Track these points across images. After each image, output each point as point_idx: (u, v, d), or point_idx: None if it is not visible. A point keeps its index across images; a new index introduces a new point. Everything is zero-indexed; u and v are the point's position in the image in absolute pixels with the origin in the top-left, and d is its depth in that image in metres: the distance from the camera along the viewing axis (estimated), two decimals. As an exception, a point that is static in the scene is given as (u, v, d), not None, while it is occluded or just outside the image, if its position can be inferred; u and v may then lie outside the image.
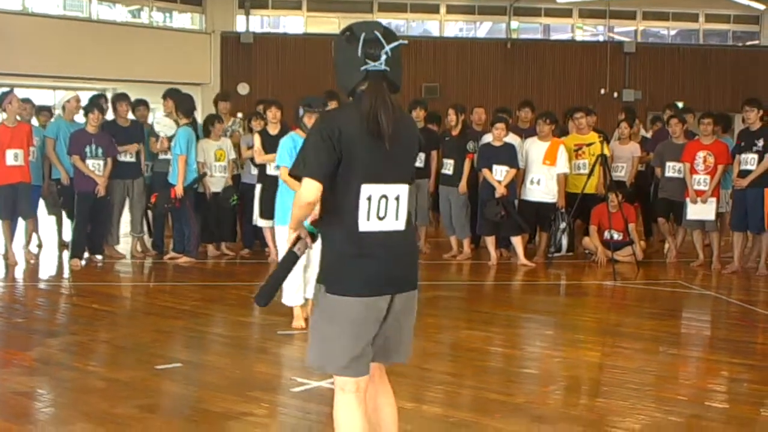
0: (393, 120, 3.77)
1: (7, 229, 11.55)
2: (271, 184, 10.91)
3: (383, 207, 3.79)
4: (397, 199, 3.85)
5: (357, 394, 3.86)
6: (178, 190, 11.34)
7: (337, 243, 3.80)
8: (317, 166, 3.69)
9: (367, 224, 3.76)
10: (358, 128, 3.72)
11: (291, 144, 7.91)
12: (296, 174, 3.76)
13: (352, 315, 3.78)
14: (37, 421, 5.41)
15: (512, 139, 12.11)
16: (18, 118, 11.45)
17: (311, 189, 3.70)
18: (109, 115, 12.41)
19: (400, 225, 3.86)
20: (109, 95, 14.24)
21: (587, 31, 29.93)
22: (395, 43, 3.79)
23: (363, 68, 3.76)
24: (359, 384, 3.86)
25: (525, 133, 12.64)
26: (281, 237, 8.00)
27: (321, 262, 3.86)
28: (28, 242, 11.99)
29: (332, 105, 11.96)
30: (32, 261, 11.76)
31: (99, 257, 11.94)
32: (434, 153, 12.43)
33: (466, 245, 12.40)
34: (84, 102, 12.28)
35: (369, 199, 3.75)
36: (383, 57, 3.77)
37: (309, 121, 7.81)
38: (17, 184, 11.27)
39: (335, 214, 3.78)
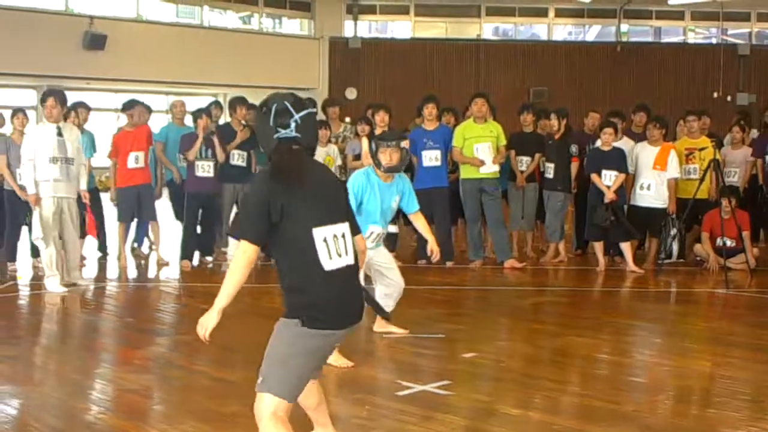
0: (306, 170, 4.15)
1: (123, 232, 11.86)
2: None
3: (338, 245, 4.14)
4: (344, 236, 4.18)
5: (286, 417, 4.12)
6: None
7: (309, 285, 4.10)
8: (252, 227, 4.04)
9: (330, 263, 4.08)
10: (283, 184, 4.05)
11: (363, 181, 7.25)
12: (233, 235, 4.06)
13: (318, 345, 4.14)
14: (147, 418, 5.52)
15: (625, 143, 11.93)
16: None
17: (249, 250, 4.05)
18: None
19: (350, 260, 4.19)
20: (221, 101, 14.48)
21: (699, 34, 29.36)
22: (304, 112, 4.17)
23: (275, 136, 4.14)
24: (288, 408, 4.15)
25: (639, 138, 12.41)
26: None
27: (290, 301, 4.18)
28: (155, 245, 12.27)
29: (430, 108, 12.02)
30: (164, 263, 12.02)
31: (209, 259, 12.14)
32: (537, 156, 12.36)
33: (562, 249, 12.28)
34: (194, 107, 12.56)
35: (325, 240, 4.09)
36: (293, 125, 4.14)
37: (383, 156, 7.18)
38: (140, 185, 11.60)
39: (301, 261, 4.09)
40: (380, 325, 7.85)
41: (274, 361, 4.10)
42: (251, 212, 4.06)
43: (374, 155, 7.28)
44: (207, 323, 4.14)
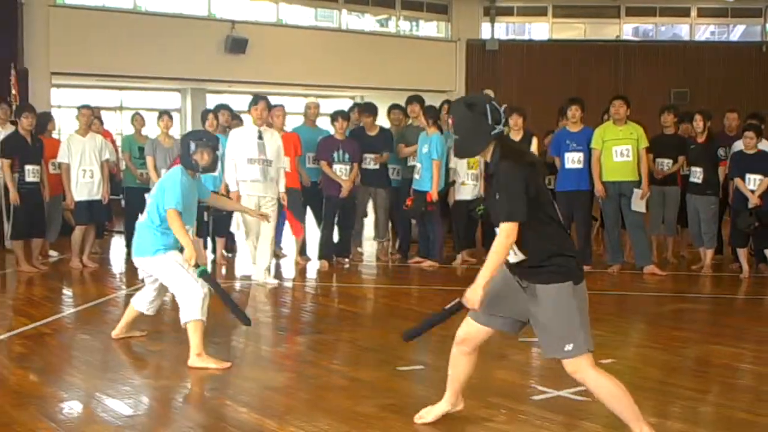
0: None
1: None
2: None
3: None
4: None
5: None
6: (434, 195, 11.47)
7: (571, 247, 4.78)
8: (519, 209, 4.56)
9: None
10: (530, 165, 4.72)
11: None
12: (501, 220, 4.59)
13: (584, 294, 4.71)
14: (284, 415, 5.60)
15: (765, 145, 11.56)
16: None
17: (515, 231, 4.58)
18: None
19: None
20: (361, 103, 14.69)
21: None
22: (503, 108, 4.72)
23: (493, 132, 4.65)
24: None
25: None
26: None
27: (551, 267, 4.62)
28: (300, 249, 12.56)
29: (574, 110, 11.84)
30: (301, 263, 12.31)
31: (346, 260, 12.29)
32: (681, 159, 12.06)
33: (709, 256, 11.92)
34: (332, 109, 12.74)
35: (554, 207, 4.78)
36: (503, 121, 4.70)
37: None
38: (287, 189, 11.75)
39: (559, 227, 4.75)
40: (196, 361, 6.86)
41: (575, 325, 4.60)
42: (515, 196, 4.52)
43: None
44: (474, 298, 4.84)
